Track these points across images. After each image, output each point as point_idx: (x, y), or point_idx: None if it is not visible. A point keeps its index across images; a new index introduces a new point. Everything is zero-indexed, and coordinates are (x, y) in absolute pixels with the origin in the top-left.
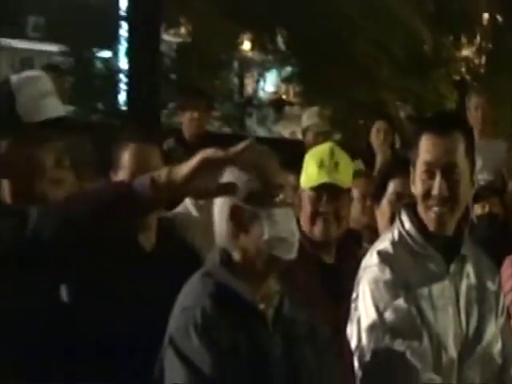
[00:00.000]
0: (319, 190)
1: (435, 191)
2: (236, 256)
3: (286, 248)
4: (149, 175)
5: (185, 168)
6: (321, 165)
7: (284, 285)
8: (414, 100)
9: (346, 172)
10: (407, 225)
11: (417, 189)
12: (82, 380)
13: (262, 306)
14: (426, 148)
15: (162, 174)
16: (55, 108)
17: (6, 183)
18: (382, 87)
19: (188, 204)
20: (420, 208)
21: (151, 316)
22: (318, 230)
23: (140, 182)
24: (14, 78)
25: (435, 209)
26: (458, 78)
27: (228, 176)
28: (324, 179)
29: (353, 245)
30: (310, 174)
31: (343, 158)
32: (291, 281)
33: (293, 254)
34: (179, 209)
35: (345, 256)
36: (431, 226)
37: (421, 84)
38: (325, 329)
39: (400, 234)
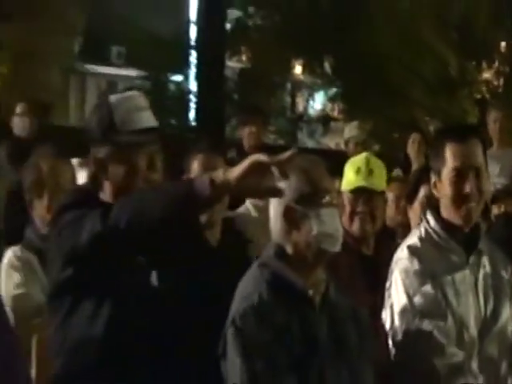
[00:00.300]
0: (356, 192)
1: (467, 190)
2: (289, 249)
3: (332, 242)
4: (208, 175)
5: (237, 169)
6: (358, 171)
7: (329, 273)
8: (441, 116)
9: (379, 177)
10: (432, 223)
11: (445, 191)
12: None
13: (310, 293)
14: (453, 155)
15: (219, 174)
16: (148, 120)
17: (107, 185)
18: (414, 105)
19: (248, 205)
20: (447, 207)
21: (216, 301)
22: (355, 227)
23: (201, 181)
24: (112, 97)
25: (467, 205)
26: (479, 96)
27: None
28: (360, 183)
29: (388, 240)
30: (349, 179)
31: (378, 165)
32: (335, 270)
33: (338, 247)
34: (241, 209)
35: (381, 249)
36: (460, 221)
37: (447, 102)
38: (364, 312)
39: (426, 231)
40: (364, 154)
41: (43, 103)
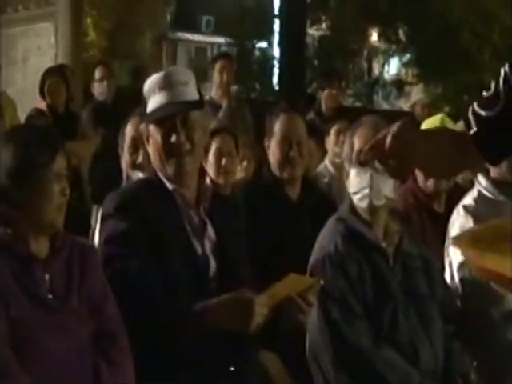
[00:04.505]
0: None
1: None
2: (357, 206)
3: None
4: None
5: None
6: None
7: (402, 226)
8: None
9: None
10: (484, 183)
11: None
12: None
13: (384, 244)
14: None
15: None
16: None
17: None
18: (482, 69)
19: (327, 163)
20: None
21: (297, 252)
22: (430, 184)
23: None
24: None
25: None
26: None
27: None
28: None
29: (460, 197)
30: None
31: (451, 125)
32: (408, 223)
33: (381, 201)
34: (321, 167)
35: (452, 206)
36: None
37: None
38: (436, 262)
39: (479, 191)
40: (439, 115)
41: (136, 68)
